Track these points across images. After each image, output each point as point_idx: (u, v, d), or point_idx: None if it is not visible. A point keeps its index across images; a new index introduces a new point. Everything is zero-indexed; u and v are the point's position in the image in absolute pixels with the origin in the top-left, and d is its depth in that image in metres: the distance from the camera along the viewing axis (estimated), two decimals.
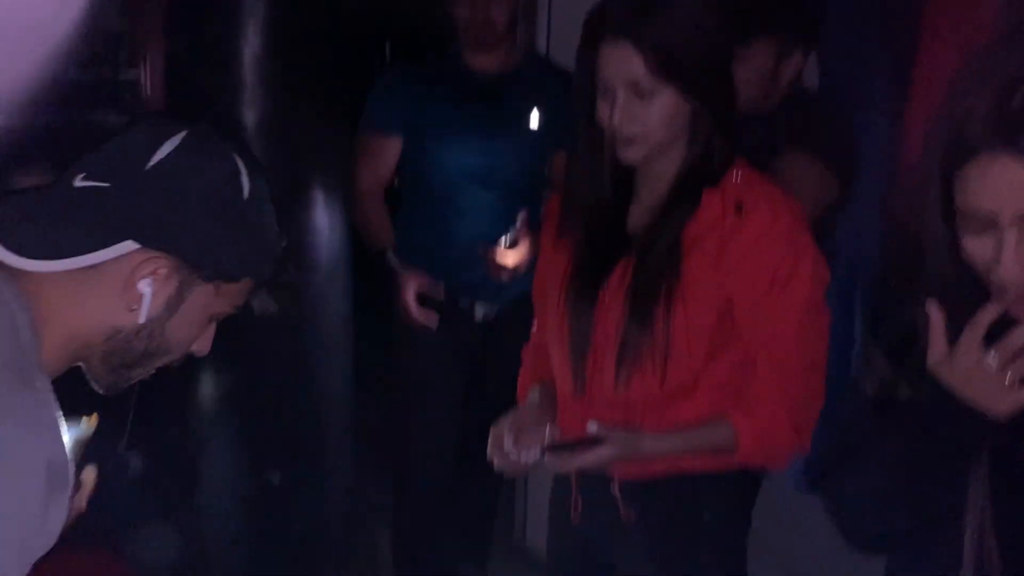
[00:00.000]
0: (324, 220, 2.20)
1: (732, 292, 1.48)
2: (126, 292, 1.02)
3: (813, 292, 1.47)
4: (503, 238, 2.18)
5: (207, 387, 2.17)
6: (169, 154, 1.00)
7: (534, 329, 1.76)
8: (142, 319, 1.04)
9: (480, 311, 2.43)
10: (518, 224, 2.17)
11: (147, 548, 2.18)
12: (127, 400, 2.02)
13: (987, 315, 0.96)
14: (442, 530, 2.57)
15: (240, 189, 1.04)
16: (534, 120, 2.34)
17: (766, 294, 1.47)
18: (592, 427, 1.50)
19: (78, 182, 1.01)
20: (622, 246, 1.54)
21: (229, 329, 1.39)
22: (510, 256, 2.18)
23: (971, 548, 1.07)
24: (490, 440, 1.58)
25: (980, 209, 0.94)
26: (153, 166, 1.00)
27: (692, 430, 1.53)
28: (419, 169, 2.41)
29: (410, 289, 2.38)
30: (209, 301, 1.07)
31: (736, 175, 1.49)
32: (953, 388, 1.00)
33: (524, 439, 1.54)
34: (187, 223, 1.01)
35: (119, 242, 1.00)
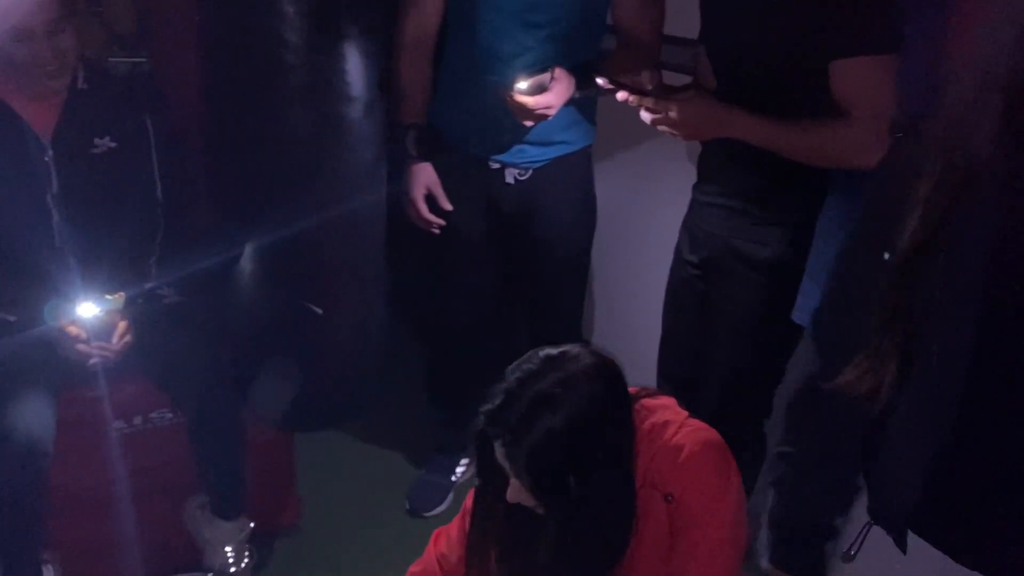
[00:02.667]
0: (356, 54, 2.04)
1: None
2: None
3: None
4: (521, 81, 2.10)
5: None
6: None
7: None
8: None
9: (510, 174, 2.38)
10: (547, 74, 2.10)
11: (187, 378, 2.24)
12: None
13: None
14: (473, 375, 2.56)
15: None
16: None
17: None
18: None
19: None
20: None
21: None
22: (529, 100, 2.10)
23: None
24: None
25: None
26: None
27: None
28: (462, 11, 2.28)
29: (421, 185, 2.35)
30: None
31: (646, 464, 1.56)
32: None
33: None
34: None
35: None
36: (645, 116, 1.86)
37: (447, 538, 1.79)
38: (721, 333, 2.07)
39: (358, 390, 2.35)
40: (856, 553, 1.48)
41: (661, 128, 1.87)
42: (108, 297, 2.06)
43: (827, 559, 2.07)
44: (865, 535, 1.45)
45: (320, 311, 2.11)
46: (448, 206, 2.39)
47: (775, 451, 2.15)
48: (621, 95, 1.87)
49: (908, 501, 1.31)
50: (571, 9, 2.21)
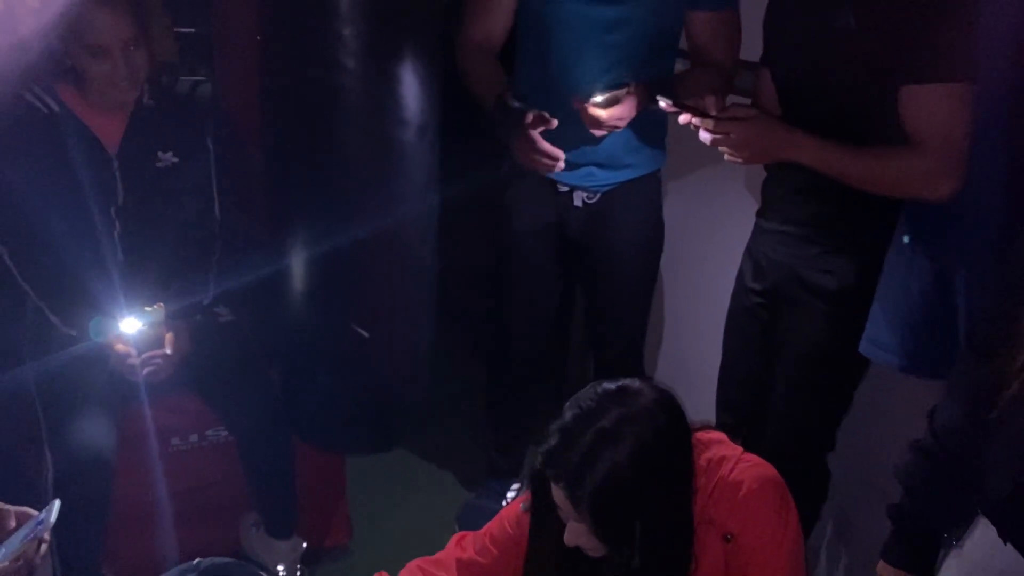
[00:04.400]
0: (412, 78, 2.03)
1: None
2: None
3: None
4: (598, 95, 2.10)
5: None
6: None
7: None
8: None
9: (579, 197, 2.37)
10: (623, 90, 2.10)
11: (238, 399, 2.26)
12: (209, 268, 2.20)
13: None
14: (532, 399, 2.64)
15: None
16: None
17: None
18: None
19: None
20: None
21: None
22: (602, 112, 2.10)
23: None
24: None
25: None
26: None
27: None
28: (535, 32, 2.26)
29: (534, 124, 2.16)
30: None
31: (704, 500, 1.52)
32: None
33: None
34: None
35: None
36: (705, 136, 1.83)
37: (478, 547, 1.75)
38: (784, 364, 2.01)
39: (409, 413, 2.34)
40: (961, 541, 1.43)
41: (721, 149, 1.84)
42: (147, 309, 2.06)
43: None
44: (973, 524, 1.40)
45: (367, 335, 2.10)
46: (554, 122, 2.16)
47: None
48: (684, 117, 1.84)
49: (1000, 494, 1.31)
50: (645, 32, 2.19)
